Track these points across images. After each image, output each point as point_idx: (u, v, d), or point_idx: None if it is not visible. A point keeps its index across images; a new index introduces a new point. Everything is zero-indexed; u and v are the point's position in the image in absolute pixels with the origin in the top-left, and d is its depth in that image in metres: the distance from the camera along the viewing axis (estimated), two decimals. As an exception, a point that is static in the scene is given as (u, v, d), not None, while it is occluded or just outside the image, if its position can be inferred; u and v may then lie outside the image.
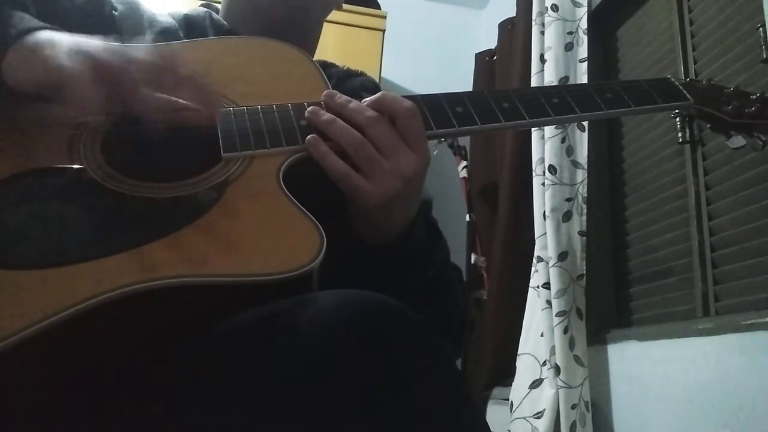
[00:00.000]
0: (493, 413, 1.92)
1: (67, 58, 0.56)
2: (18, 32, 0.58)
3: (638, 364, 1.58)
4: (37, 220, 0.54)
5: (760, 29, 1.34)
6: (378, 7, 2.60)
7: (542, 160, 1.86)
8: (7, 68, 0.58)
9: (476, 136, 2.35)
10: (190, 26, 0.84)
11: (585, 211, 1.79)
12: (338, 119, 0.64)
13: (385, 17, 2.54)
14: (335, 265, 0.54)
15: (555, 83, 1.86)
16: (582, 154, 1.84)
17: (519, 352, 1.80)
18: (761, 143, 0.83)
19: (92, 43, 0.58)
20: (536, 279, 1.81)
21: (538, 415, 1.64)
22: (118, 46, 0.59)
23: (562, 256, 1.74)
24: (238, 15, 0.86)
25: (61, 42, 0.58)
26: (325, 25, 0.93)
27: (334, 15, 0.92)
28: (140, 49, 0.59)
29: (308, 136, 0.63)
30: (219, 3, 0.91)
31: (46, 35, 0.59)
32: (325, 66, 0.86)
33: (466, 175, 2.42)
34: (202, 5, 0.89)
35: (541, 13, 2.02)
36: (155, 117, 0.59)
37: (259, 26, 0.84)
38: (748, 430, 1.21)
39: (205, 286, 0.51)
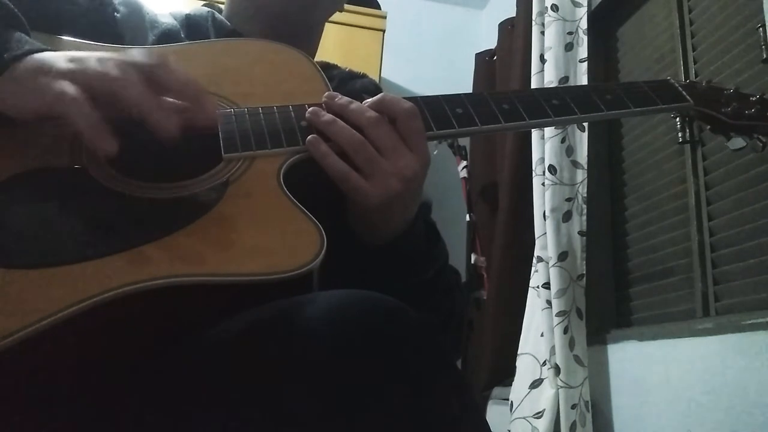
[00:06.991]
0: (493, 413, 1.92)
1: (63, 83, 0.55)
2: (12, 57, 0.56)
3: (638, 364, 1.58)
4: (38, 220, 0.55)
5: (760, 29, 1.34)
6: (378, 7, 2.60)
7: (542, 160, 1.86)
8: (1, 97, 0.56)
9: (476, 136, 2.35)
10: (191, 26, 0.84)
11: (585, 211, 1.79)
12: (339, 120, 0.64)
13: (385, 17, 2.54)
14: (335, 265, 0.55)
15: (555, 83, 1.86)
16: (582, 154, 1.84)
17: (519, 352, 1.80)
18: (761, 144, 0.83)
19: (87, 60, 0.57)
20: (536, 279, 1.81)
21: (538, 415, 1.64)
22: (112, 55, 0.58)
23: (562, 256, 1.74)
24: (242, 15, 0.86)
25: (55, 64, 0.56)
26: (326, 25, 0.93)
27: (334, 15, 0.92)
28: (135, 53, 0.59)
29: (309, 136, 0.63)
30: (222, 3, 0.91)
31: (38, 58, 0.57)
32: (327, 67, 0.86)
33: (466, 175, 2.42)
34: (204, 5, 0.89)
35: (541, 13, 2.02)
36: (159, 124, 0.57)
37: (262, 26, 0.84)
38: (749, 431, 1.21)
39: (205, 286, 0.52)
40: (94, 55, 0.57)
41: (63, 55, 0.57)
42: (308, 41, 0.88)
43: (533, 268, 1.83)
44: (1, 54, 0.56)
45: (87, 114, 0.54)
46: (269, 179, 0.60)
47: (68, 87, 0.55)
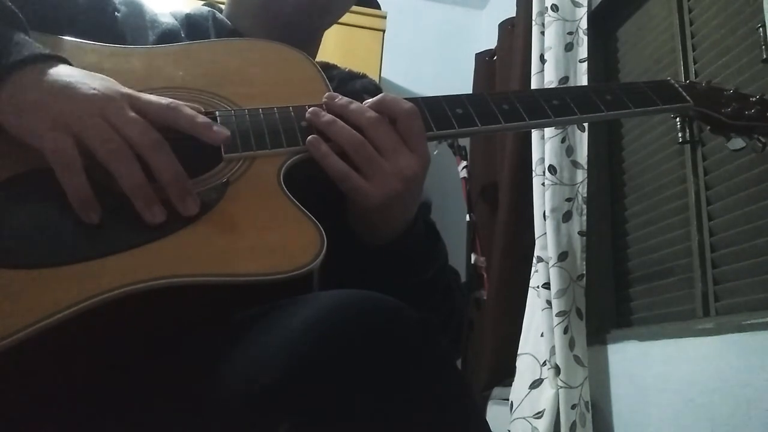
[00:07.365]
0: (493, 413, 1.92)
1: (58, 139, 0.54)
2: (11, 64, 0.56)
3: (638, 364, 1.59)
4: (38, 220, 0.55)
5: (760, 29, 1.34)
6: (378, 7, 2.60)
7: (542, 160, 1.86)
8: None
9: (476, 136, 2.35)
10: (191, 26, 0.83)
11: (585, 211, 1.79)
12: (339, 120, 0.64)
13: (385, 17, 2.54)
14: (335, 265, 0.55)
15: (555, 83, 1.86)
16: (582, 154, 1.84)
17: (519, 352, 1.80)
18: (761, 145, 0.83)
19: (87, 119, 0.55)
20: (536, 279, 1.81)
21: (538, 415, 1.64)
22: (110, 111, 0.56)
23: (562, 256, 1.74)
24: (243, 14, 0.86)
25: (51, 106, 0.55)
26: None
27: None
28: (137, 125, 0.56)
29: (309, 137, 0.63)
30: (222, 2, 0.90)
31: (32, 81, 0.56)
32: (327, 67, 0.86)
33: (466, 175, 2.42)
34: (204, 4, 0.89)
35: (541, 13, 2.02)
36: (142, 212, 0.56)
37: (264, 26, 0.83)
38: (748, 430, 1.21)
39: (205, 286, 0.52)
40: (90, 108, 0.56)
41: (59, 91, 0.56)
42: (309, 42, 0.88)
43: (533, 268, 1.83)
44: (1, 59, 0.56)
45: (77, 181, 0.54)
46: (269, 179, 0.60)
47: (63, 144, 0.54)
